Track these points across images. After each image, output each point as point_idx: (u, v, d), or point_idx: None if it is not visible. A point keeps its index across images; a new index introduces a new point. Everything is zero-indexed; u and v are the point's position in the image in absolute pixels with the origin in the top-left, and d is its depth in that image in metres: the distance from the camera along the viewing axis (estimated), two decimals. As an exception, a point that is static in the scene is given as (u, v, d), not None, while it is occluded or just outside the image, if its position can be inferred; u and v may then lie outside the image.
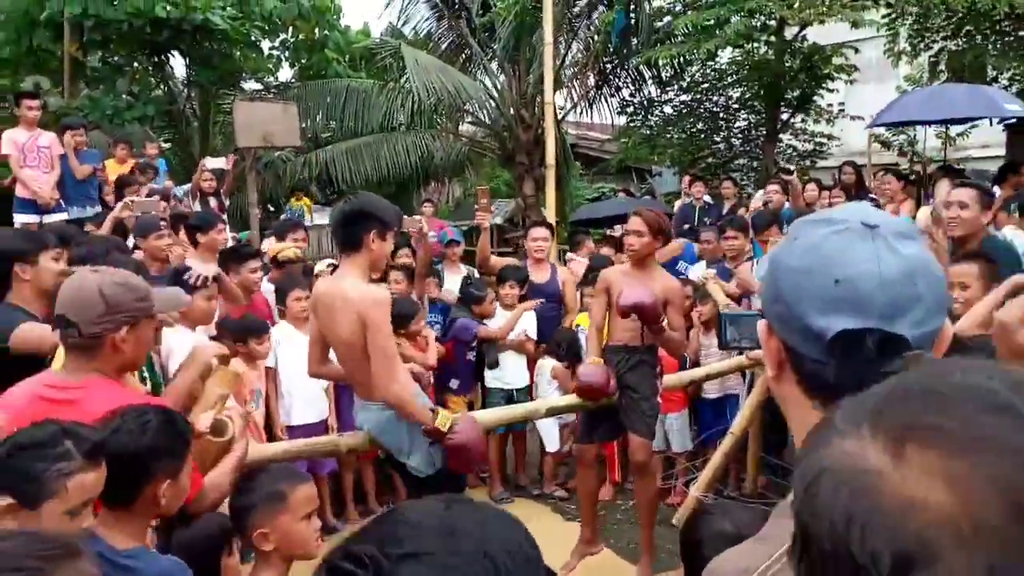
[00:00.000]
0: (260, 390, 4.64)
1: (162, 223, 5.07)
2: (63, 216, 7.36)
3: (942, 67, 11.99)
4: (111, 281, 2.22)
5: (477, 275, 6.27)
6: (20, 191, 7.49)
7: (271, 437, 4.62)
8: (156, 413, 2.02)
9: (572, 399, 4.38)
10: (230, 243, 6.18)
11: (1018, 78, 11.47)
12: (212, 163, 8.80)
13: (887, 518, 0.55)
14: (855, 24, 9.61)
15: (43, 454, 1.71)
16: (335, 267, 5.71)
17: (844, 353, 0.92)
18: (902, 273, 0.92)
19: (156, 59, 12.72)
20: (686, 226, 8.49)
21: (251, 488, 2.37)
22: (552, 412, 4.50)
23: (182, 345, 3.58)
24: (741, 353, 4.24)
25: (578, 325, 5.94)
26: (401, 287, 5.65)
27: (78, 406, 2.07)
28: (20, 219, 7.55)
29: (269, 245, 6.39)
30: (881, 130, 12.41)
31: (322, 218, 12.15)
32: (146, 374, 3.21)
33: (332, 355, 3.57)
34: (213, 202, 8.33)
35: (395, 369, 3.20)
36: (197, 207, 7.94)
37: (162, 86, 13.41)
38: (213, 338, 4.05)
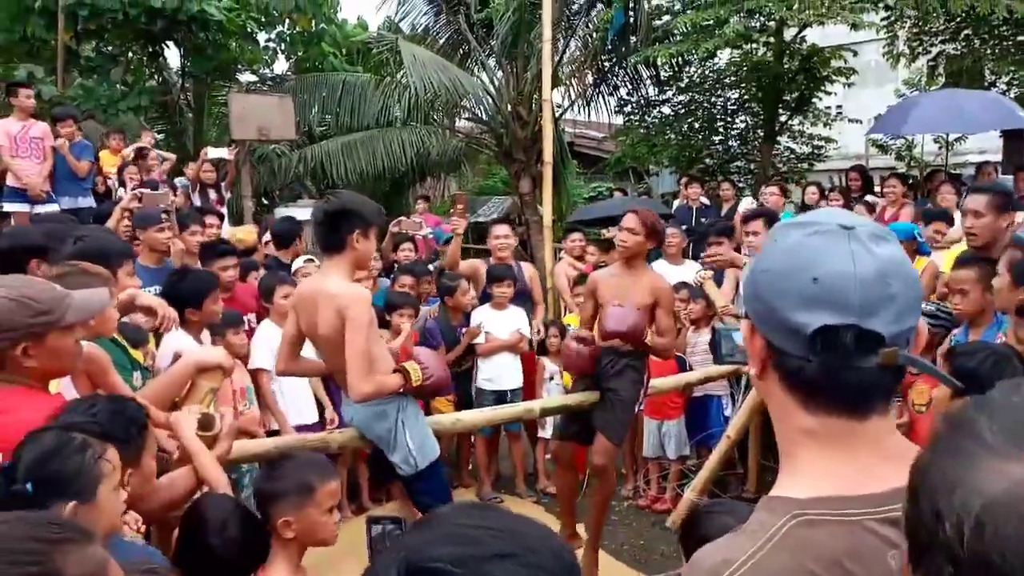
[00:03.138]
0: (250, 387, 4.57)
1: (163, 216, 4.99)
2: (54, 207, 7.29)
3: (940, 71, 12.00)
4: (4, 296, 2.11)
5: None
6: (11, 180, 7.42)
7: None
8: (104, 401, 2.00)
9: (566, 399, 4.34)
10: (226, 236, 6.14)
11: (1016, 82, 11.48)
12: (214, 152, 8.76)
13: None
14: (854, 26, 9.56)
15: (69, 450, 1.74)
16: (310, 260, 5.70)
17: (823, 348, 0.96)
18: (877, 273, 0.96)
19: (151, 49, 12.61)
20: (683, 227, 8.44)
21: (281, 475, 2.42)
22: (546, 412, 4.46)
23: (189, 349, 3.54)
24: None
25: (568, 324, 5.93)
26: (409, 289, 5.64)
27: (1, 418, 2.01)
28: (9, 208, 7.48)
29: (230, 232, 6.41)
30: (879, 134, 12.43)
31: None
32: (138, 379, 3.15)
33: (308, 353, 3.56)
34: (213, 194, 8.27)
35: (366, 368, 3.18)
36: (197, 199, 7.89)
37: (156, 76, 13.31)
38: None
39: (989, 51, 11.09)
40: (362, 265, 3.44)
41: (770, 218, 5.77)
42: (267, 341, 4.73)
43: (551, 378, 5.90)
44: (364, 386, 3.17)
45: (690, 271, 6.11)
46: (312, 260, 5.81)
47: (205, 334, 4.11)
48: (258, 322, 4.94)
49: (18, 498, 1.66)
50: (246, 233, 6.49)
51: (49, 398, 2.18)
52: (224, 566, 2.19)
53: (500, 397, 5.54)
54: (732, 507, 2.09)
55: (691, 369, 5.33)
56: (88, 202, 7.67)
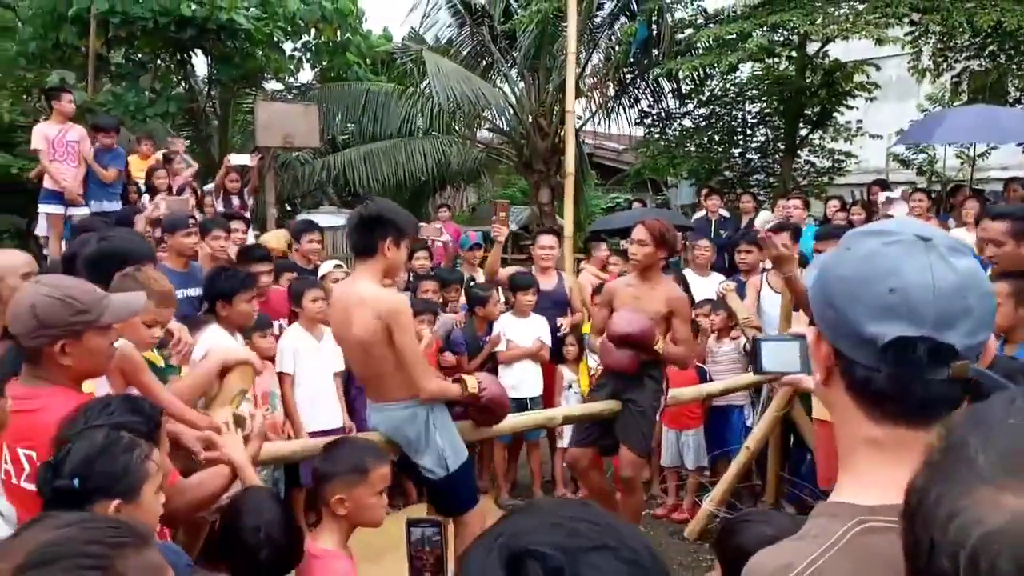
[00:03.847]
0: (275, 392, 4.63)
1: (190, 221, 5.08)
2: (86, 210, 7.44)
3: (964, 87, 11.94)
4: (46, 295, 2.17)
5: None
6: (48, 183, 7.57)
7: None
8: (118, 400, 2.05)
9: (589, 407, 4.37)
10: (251, 242, 6.22)
11: (1041, 99, 11.42)
12: (237, 159, 8.86)
13: None
14: (879, 41, 9.57)
15: (116, 450, 1.78)
16: (339, 266, 5.76)
17: (896, 360, 0.95)
18: (955, 286, 0.95)
19: (179, 57, 12.81)
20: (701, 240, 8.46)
21: (338, 456, 2.61)
22: (569, 420, 4.49)
23: (216, 347, 3.61)
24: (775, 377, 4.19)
25: (586, 334, 5.95)
26: (432, 294, 5.68)
27: (35, 416, 2.07)
28: (45, 209, 7.64)
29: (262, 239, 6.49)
30: (900, 148, 12.38)
31: (338, 219, 12.18)
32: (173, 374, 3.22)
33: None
34: (236, 201, 8.38)
35: (426, 367, 3.29)
36: (220, 205, 8.00)
37: (184, 84, 13.50)
38: None
39: (1015, 67, 11.04)
40: (391, 273, 3.48)
41: (795, 231, 5.78)
42: (293, 345, 4.80)
43: (569, 386, 5.92)
44: (430, 384, 3.29)
45: (716, 283, 6.13)
46: (341, 266, 5.88)
47: (239, 338, 4.18)
48: (288, 325, 5.01)
49: (63, 494, 1.70)
50: (276, 240, 6.56)
51: (82, 398, 2.23)
52: (262, 563, 2.23)
53: (521, 405, 5.55)
54: (768, 516, 2.10)
55: (711, 379, 5.35)
56: (115, 206, 7.80)
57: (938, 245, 0.98)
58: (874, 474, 1.01)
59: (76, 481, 1.72)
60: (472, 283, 6.21)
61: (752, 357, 2.14)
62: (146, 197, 8.32)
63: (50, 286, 2.23)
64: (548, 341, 5.78)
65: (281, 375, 4.75)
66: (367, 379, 3.47)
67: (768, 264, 5.75)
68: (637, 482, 4.27)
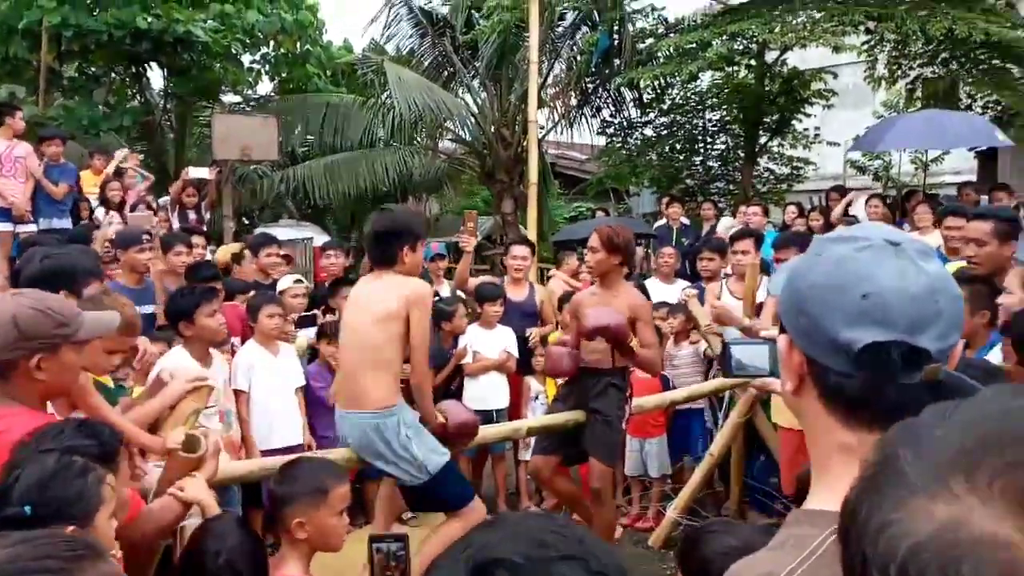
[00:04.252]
0: (231, 410, 4.52)
1: (145, 237, 4.97)
2: (34, 228, 7.25)
3: (918, 93, 12.20)
4: (28, 306, 2.13)
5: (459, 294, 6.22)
6: (-5, 199, 7.38)
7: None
8: (74, 424, 1.97)
9: (554, 418, 4.34)
10: (208, 257, 6.11)
11: (991, 105, 11.69)
12: (195, 172, 8.73)
13: None
14: (836, 49, 9.74)
15: (69, 474, 1.73)
16: (299, 281, 5.69)
17: (870, 365, 0.95)
18: (926, 289, 0.96)
19: (134, 70, 12.63)
20: (665, 247, 8.51)
21: (294, 478, 2.50)
22: (533, 432, 4.44)
23: (178, 363, 3.56)
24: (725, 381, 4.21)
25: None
26: None
27: None
28: (-7, 227, 7.42)
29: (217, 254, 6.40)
30: (857, 155, 12.60)
31: (298, 232, 12.04)
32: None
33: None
34: (192, 215, 8.23)
35: (425, 362, 3.36)
36: (176, 220, 7.85)
37: (139, 97, 13.30)
38: None
39: (966, 74, 11.31)
40: (413, 274, 3.57)
41: (758, 238, 5.83)
42: (248, 361, 4.69)
43: (536, 397, 5.88)
44: (426, 383, 3.38)
45: (680, 290, 6.15)
46: (301, 281, 5.79)
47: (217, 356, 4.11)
48: (243, 344, 4.90)
49: (13, 521, 1.64)
50: (222, 253, 6.46)
51: (46, 419, 2.15)
52: None
53: (487, 417, 5.49)
54: (731, 527, 2.08)
55: (673, 386, 5.35)
56: (64, 223, 7.62)
57: (907, 249, 0.99)
58: (848, 480, 0.99)
59: (27, 508, 1.67)
60: (436, 297, 6.15)
61: (722, 360, 2.14)
62: (100, 211, 8.15)
63: (31, 298, 2.19)
64: (515, 352, 5.74)
65: (236, 392, 4.64)
66: (350, 374, 3.47)
67: (728, 270, 5.79)
68: (608, 493, 4.24)
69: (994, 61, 10.97)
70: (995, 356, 3.04)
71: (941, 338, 0.95)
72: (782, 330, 1.07)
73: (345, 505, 2.51)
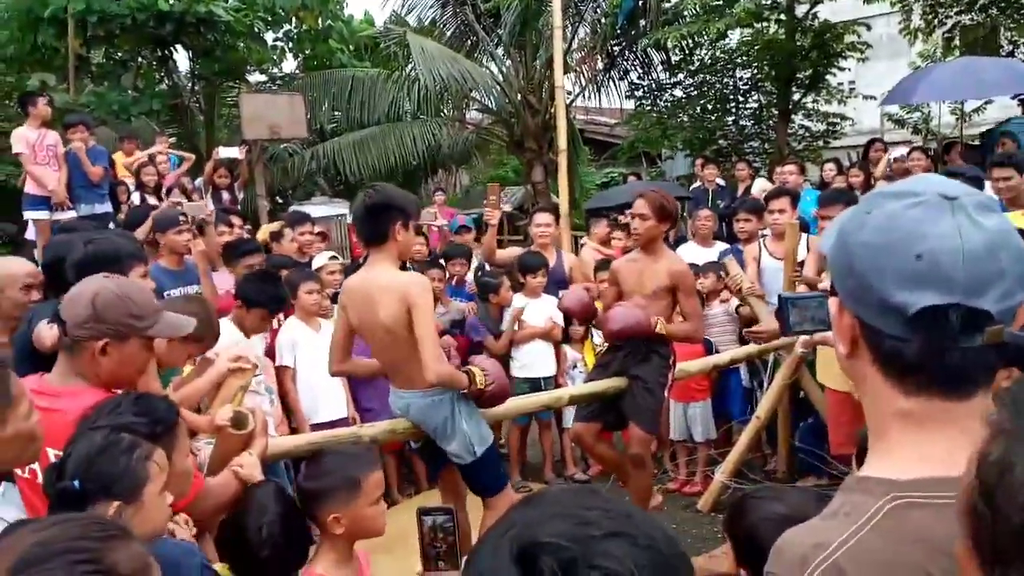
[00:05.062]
0: (271, 386, 4.56)
1: (181, 218, 4.99)
2: (72, 214, 7.32)
3: (956, 42, 11.82)
4: (111, 290, 2.17)
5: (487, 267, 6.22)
6: (31, 188, 7.45)
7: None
8: (130, 399, 1.99)
9: (595, 386, 4.31)
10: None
11: (1034, 51, 11.30)
12: (225, 152, 8.78)
13: None
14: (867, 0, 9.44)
15: (117, 450, 1.75)
16: (334, 258, 5.70)
17: (927, 329, 0.90)
18: (985, 247, 0.90)
19: (160, 53, 12.65)
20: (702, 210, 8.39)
21: (325, 472, 2.39)
22: (575, 400, 4.42)
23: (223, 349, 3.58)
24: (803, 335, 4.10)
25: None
26: (439, 282, 5.64)
27: (62, 416, 1.99)
28: (32, 216, 7.52)
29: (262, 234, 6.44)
30: (894, 108, 12.26)
31: (331, 209, 12.09)
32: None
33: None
34: (226, 196, 8.28)
35: (437, 349, 3.26)
36: (209, 201, 7.89)
37: (166, 80, 13.34)
38: None
39: (1007, 19, 10.91)
40: (404, 256, 3.49)
41: (794, 196, 5.72)
42: (291, 338, 4.73)
43: (574, 366, 5.88)
44: (440, 366, 3.23)
45: (718, 253, 6.07)
46: (336, 257, 5.80)
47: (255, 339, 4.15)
48: (285, 320, 4.93)
49: (66, 494, 1.68)
50: (261, 232, 6.51)
51: (107, 397, 2.18)
52: (263, 562, 2.18)
53: (535, 385, 5.53)
54: (779, 493, 2.04)
55: (717, 350, 5.29)
56: (105, 208, 7.69)
57: (965, 204, 0.92)
58: (907, 448, 0.96)
59: (76, 483, 1.69)
60: (480, 272, 6.18)
61: (779, 317, 2.09)
62: (136, 195, 8.22)
63: (116, 283, 2.25)
64: (560, 321, 5.74)
65: (281, 369, 4.69)
66: (393, 365, 3.45)
67: (767, 231, 5.68)
68: (646, 459, 4.23)
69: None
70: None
71: (1004, 298, 0.90)
72: (832, 292, 1.02)
73: (381, 492, 2.44)
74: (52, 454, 1.99)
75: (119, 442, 1.76)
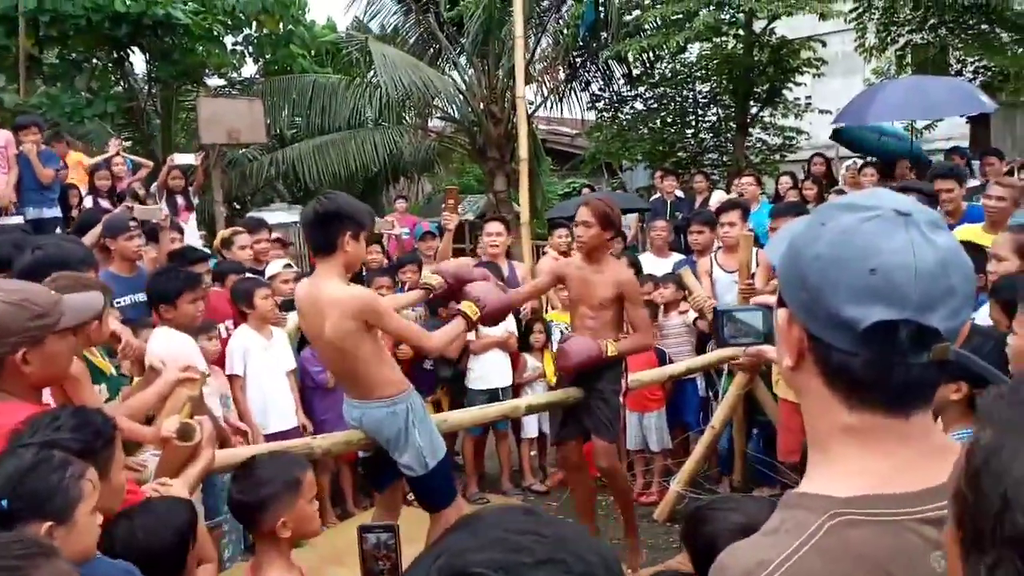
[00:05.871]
0: (227, 393, 4.49)
1: (131, 223, 4.88)
2: (18, 219, 7.12)
3: (908, 60, 12.12)
4: (3, 300, 2.06)
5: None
6: (-25, 192, 7.24)
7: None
8: (68, 413, 1.94)
9: (551, 396, 4.31)
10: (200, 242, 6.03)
11: (981, 70, 11.63)
12: (180, 158, 8.60)
13: None
14: (823, 16, 9.65)
15: (48, 468, 1.68)
16: (288, 266, 5.62)
17: (876, 344, 0.90)
18: (937, 264, 0.90)
19: (116, 55, 12.41)
20: (658, 221, 8.46)
21: (265, 480, 2.37)
22: (532, 410, 4.42)
23: (167, 347, 3.49)
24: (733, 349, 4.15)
25: (551, 320, 5.90)
26: (386, 290, 5.56)
27: None
28: (-26, 220, 7.27)
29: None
30: (844, 123, 12.51)
31: (290, 216, 11.95)
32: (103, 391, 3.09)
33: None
34: (180, 200, 8.13)
35: (418, 332, 3.30)
36: (164, 206, 7.74)
37: (122, 83, 13.09)
38: None
39: (956, 39, 11.22)
40: (352, 267, 3.40)
41: (744, 209, 5.79)
42: (243, 346, 4.65)
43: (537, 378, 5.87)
44: (434, 342, 3.28)
45: (673, 264, 6.11)
46: (290, 266, 5.74)
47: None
48: (235, 328, 4.85)
49: None
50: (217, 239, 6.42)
51: (36, 410, 2.11)
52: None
53: (492, 395, 5.49)
54: (737, 503, 2.03)
55: (670, 360, 5.33)
56: (54, 212, 7.49)
57: (918, 220, 0.92)
58: (848, 463, 0.95)
59: (4, 502, 1.63)
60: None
61: (714, 328, 2.09)
62: (88, 200, 8.03)
63: (5, 291, 2.11)
64: (515, 331, 5.72)
65: (231, 377, 4.60)
66: (345, 378, 3.43)
67: (719, 244, 5.75)
68: (615, 467, 4.22)
69: (983, 25, 10.88)
70: (981, 316, 3.03)
71: (952, 316, 0.90)
72: (780, 303, 1.01)
73: (315, 491, 2.46)
74: None
75: (50, 459, 1.70)
